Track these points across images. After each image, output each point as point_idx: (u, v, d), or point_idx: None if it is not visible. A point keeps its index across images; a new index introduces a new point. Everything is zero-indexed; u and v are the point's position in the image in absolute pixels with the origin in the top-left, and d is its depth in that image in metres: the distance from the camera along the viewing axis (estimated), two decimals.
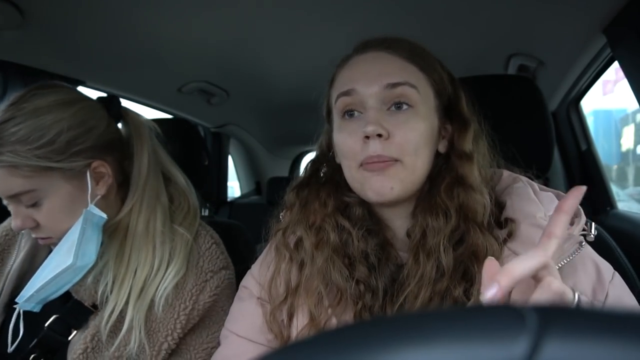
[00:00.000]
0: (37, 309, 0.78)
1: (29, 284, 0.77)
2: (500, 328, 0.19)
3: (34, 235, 0.80)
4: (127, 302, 0.77)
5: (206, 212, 1.99)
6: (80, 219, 0.76)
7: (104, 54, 1.31)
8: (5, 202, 0.81)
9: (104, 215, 0.78)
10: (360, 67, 0.66)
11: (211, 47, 1.39)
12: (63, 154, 0.75)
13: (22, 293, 0.76)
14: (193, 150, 1.33)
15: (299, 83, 1.57)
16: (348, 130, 0.64)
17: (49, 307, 0.80)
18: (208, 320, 0.83)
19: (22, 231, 0.88)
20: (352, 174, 0.65)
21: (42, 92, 0.78)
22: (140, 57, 1.37)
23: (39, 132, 0.74)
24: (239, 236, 1.08)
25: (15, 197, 0.75)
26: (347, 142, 0.64)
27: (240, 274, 0.82)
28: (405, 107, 0.63)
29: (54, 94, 0.78)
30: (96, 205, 0.79)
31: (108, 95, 0.89)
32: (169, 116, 1.97)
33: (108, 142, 0.82)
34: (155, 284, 0.78)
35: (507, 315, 0.19)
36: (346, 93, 0.65)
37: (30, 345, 0.80)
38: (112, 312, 0.77)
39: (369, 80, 0.64)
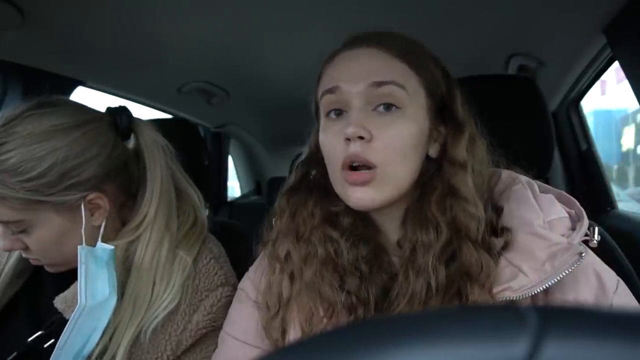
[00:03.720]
0: None
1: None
2: (500, 328, 0.19)
3: (24, 255, 0.76)
4: (119, 345, 0.71)
5: (206, 212, 1.99)
6: (79, 258, 0.70)
7: (104, 54, 1.32)
8: None
9: (108, 248, 0.72)
10: (346, 63, 0.63)
11: (211, 47, 1.39)
12: (55, 187, 0.69)
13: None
14: (193, 150, 1.33)
15: (299, 83, 1.57)
16: (332, 131, 0.61)
17: (36, 319, 0.78)
18: (204, 338, 0.77)
19: None
20: (335, 178, 0.62)
21: (39, 112, 0.70)
22: (140, 57, 1.37)
23: (30, 162, 0.67)
24: (239, 236, 1.08)
25: (3, 223, 0.71)
26: (331, 142, 0.61)
27: (239, 275, 0.81)
28: (392, 108, 0.60)
29: (53, 116, 0.70)
30: (91, 233, 0.73)
31: (119, 106, 0.81)
32: (169, 116, 1.97)
33: (108, 170, 0.75)
34: (145, 318, 0.73)
35: (507, 315, 0.19)
36: (330, 90, 0.62)
37: (9, 358, 0.75)
38: (103, 354, 0.71)
39: (353, 77, 0.60)
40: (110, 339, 0.72)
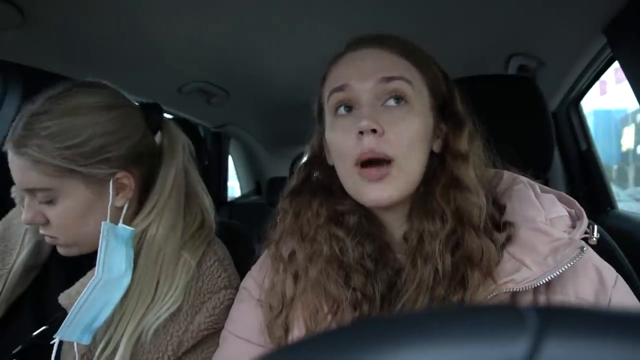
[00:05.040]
0: (86, 340, 0.71)
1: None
2: (500, 328, 0.19)
3: (41, 232, 0.78)
4: (122, 336, 0.73)
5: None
6: (102, 233, 0.73)
7: (104, 54, 1.32)
8: (17, 194, 0.80)
9: (129, 229, 0.75)
10: (353, 63, 0.65)
11: (211, 47, 1.39)
12: (90, 159, 0.73)
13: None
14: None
15: (299, 83, 1.57)
16: (342, 128, 0.62)
17: (40, 315, 0.78)
18: (205, 340, 0.77)
19: (27, 226, 0.85)
20: (347, 175, 0.63)
21: (84, 90, 0.76)
22: (140, 57, 1.37)
23: (70, 132, 0.72)
24: (239, 236, 1.08)
25: (31, 191, 0.73)
26: (341, 139, 0.62)
27: (240, 275, 0.81)
28: (400, 102, 0.62)
29: (96, 95, 0.76)
30: (113, 214, 0.75)
31: (152, 103, 0.86)
32: (169, 116, 1.97)
33: (138, 154, 0.79)
34: (148, 316, 0.74)
35: (507, 315, 0.19)
36: (339, 89, 0.63)
37: (14, 352, 0.76)
38: (106, 347, 0.72)
39: (363, 75, 0.62)
40: (115, 329, 0.73)
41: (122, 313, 0.74)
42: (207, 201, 0.87)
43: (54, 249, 0.86)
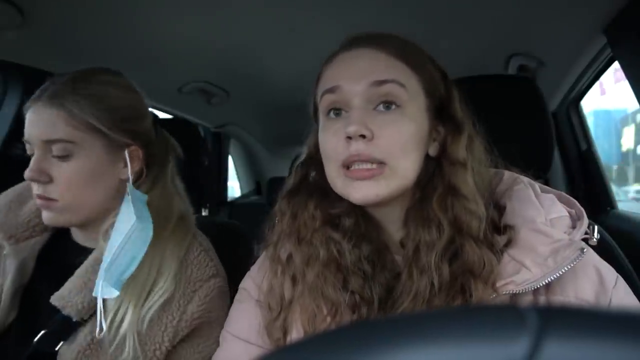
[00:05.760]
0: (116, 292, 0.73)
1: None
2: (500, 328, 0.19)
3: (39, 192, 0.77)
4: (127, 308, 0.74)
5: (206, 213, 1.99)
6: (127, 192, 0.79)
7: (104, 54, 1.31)
8: (27, 150, 0.80)
9: (145, 196, 0.81)
10: (346, 63, 0.64)
11: (211, 47, 1.39)
12: (114, 124, 0.80)
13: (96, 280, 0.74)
14: (193, 150, 1.33)
15: (299, 83, 1.57)
16: (332, 130, 0.62)
17: (37, 324, 0.78)
18: (198, 331, 0.79)
19: (5, 252, 0.83)
20: (335, 176, 0.62)
21: (112, 72, 0.86)
22: (140, 57, 1.37)
23: (104, 97, 0.80)
24: (239, 237, 1.08)
25: (50, 143, 0.76)
26: (331, 141, 0.62)
27: (240, 275, 0.81)
28: (392, 107, 0.60)
29: (123, 78, 0.87)
30: (119, 185, 0.81)
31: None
32: (169, 116, 1.97)
33: (148, 139, 0.86)
34: (145, 300, 0.76)
35: (508, 315, 0.19)
36: (331, 90, 0.62)
37: None
38: (117, 312, 0.74)
39: (354, 77, 0.61)
40: (121, 303, 0.75)
41: (128, 285, 0.75)
42: (187, 202, 0.92)
43: (38, 261, 0.85)
